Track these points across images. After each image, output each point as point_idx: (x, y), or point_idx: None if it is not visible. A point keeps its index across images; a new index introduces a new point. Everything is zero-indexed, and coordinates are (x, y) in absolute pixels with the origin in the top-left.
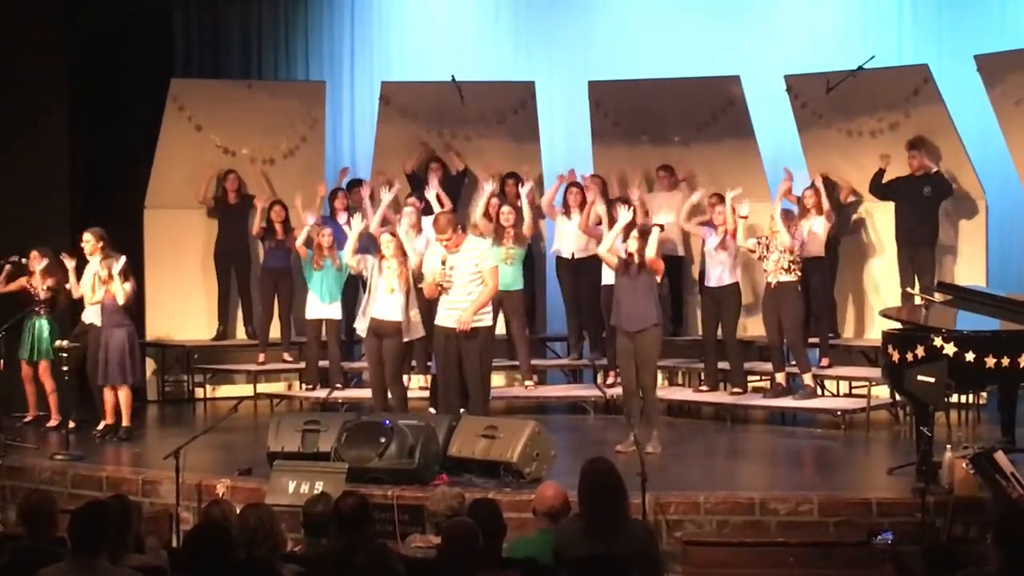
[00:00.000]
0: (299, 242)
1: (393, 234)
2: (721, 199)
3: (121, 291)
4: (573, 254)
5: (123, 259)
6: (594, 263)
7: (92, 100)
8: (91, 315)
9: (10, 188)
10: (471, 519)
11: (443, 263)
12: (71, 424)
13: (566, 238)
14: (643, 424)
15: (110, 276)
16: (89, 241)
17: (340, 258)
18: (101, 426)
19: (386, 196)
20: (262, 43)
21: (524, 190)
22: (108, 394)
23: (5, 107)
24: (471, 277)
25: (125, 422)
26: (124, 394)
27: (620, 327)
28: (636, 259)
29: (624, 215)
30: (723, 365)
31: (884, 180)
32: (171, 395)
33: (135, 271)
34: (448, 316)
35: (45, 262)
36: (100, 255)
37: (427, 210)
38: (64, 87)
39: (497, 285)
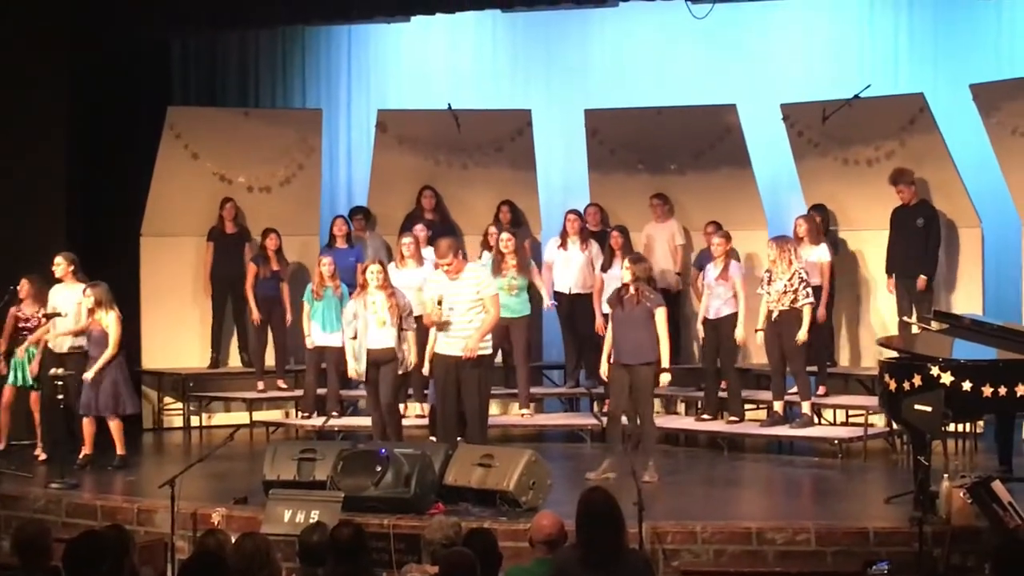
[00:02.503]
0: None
1: (381, 263)
2: (717, 228)
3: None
4: (570, 289)
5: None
6: (591, 296)
7: (89, 127)
8: (64, 344)
9: (6, 214)
10: (468, 549)
11: (439, 303)
12: (42, 456)
13: (564, 272)
14: (640, 453)
15: (97, 305)
16: (60, 264)
17: (341, 287)
18: (81, 455)
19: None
20: (259, 71)
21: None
22: (88, 424)
23: (3, 134)
24: (471, 304)
25: (120, 451)
26: (115, 424)
27: (616, 359)
28: (630, 291)
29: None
30: (722, 394)
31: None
32: (166, 423)
33: (131, 298)
34: (448, 344)
35: (34, 291)
36: (71, 279)
37: (430, 240)
38: (62, 114)
39: (499, 312)
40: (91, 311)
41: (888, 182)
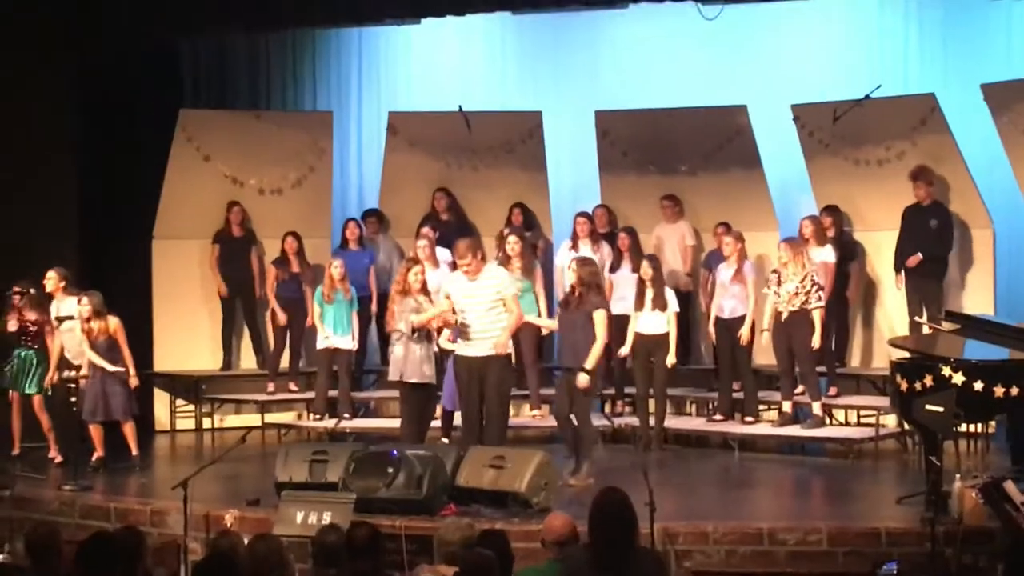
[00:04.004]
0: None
1: (418, 261)
2: (728, 229)
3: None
4: None
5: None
6: None
7: (101, 131)
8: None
9: (19, 219)
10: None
11: (452, 311)
12: (57, 458)
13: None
14: (578, 455)
15: (95, 314)
16: (52, 279)
17: (352, 290)
18: (94, 458)
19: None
20: (270, 73)
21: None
22: (95, 428)
23: (15, 138)
24: (491, 305)
25: (134, 451)
26: (130, 426)
27: (560, 361)
28: (575, 293)
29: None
30: (736, 395)
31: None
32: (179, 425)
33: (143, 301)
34: (469, 346)
35: (39, 297)
36: (62, 294)
37: (440, 240)
38: (73, 118)
39: (521, 312)
40: (87, 319)
41: (908, 177)
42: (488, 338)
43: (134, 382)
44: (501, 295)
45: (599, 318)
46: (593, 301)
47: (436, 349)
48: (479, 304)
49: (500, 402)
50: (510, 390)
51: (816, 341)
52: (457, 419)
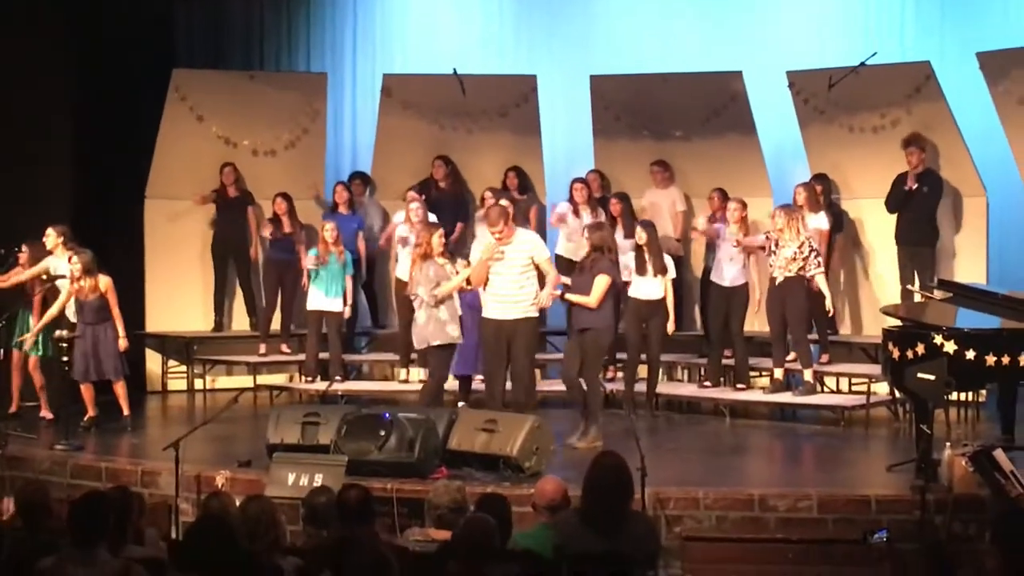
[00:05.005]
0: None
1: (438, 225)
2: (723, 195)
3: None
4: (578, 256)
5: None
6: None
7: (94, 90)
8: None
9: (11, 178)
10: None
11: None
12: (48, 416)
13: (575, 239)
14: (585, 417)
15: (85, 272)
16: (51, 236)
17: (345, 254)
18: (85, 418)
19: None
20: (264, 34)
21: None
22: (87, 389)
23: (7, 97)
24: (522, 269)
25: (125, 411)
26: (121, 386)
27: (573, 323)
28: (588, 257)
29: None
30: (726, 361)
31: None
32: (170, 386)
33: (136, 261)
34: (497, 308)
35: (37, 255)
36: (62, 251)
37: (434, 207)
38: (66, 77)
39: (556, 273)
40: (77, 278)
41: (901, 144)
42: (518, 302)
43: (123, 343)
44: (536, 260)
45: (599, 282)
46: (600, 266)
47: (460, 312)
48: (511, 268)
49: (527, 364)
50: (535, 351)
51: (828, 305)
52: (451, 384)
